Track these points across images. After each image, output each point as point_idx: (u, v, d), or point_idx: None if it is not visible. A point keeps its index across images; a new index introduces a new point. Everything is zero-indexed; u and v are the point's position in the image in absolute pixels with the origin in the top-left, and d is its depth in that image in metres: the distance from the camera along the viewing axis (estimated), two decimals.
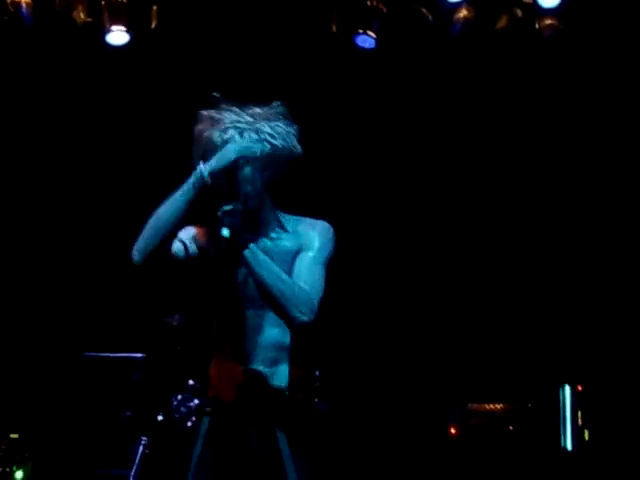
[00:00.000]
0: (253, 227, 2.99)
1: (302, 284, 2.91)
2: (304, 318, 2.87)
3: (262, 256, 2.89)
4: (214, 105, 2.99)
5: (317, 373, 5.77)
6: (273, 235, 3.04)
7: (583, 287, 6.77)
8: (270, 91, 3.17)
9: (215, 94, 3.01)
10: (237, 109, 2.99)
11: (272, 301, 2.89)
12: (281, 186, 3.11)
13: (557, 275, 6.83)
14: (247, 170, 2.93)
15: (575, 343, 6.68)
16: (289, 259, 2.98)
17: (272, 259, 2.93)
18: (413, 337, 6.82)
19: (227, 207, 2.84)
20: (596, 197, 6.77)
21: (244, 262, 2.88)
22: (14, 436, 6.19)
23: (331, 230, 3.06)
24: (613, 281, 6.71)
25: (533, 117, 6.73)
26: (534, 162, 6.82)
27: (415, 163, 6.86)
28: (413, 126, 6.80)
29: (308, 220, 3.07)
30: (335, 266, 6.26)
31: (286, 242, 3.02)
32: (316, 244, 3.00)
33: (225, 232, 2.83)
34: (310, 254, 2.98)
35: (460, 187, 6.88)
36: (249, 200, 2.92)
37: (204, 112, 2.99)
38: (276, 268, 2.88)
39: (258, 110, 3.01)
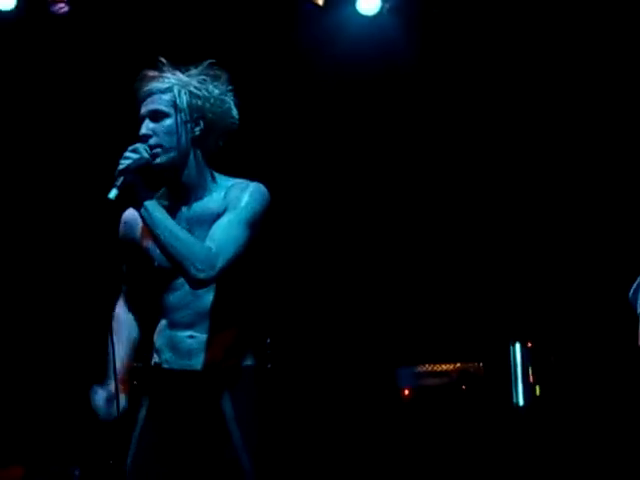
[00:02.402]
0: (177, 188, 3.01)
1: (209, 242, 2.88)
2: (201, 275, 2.84)
3: (158, 214, 2.86)
4: (157, 66, 3.01)
5: (267, 340, 5.77)
6: (205, 198, 3.02)
7: (531, 243, 6.79)
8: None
9: (160, 58, 3.01)
10: (173, 68, 3.00)
11: (170, 259, 2.87)
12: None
13: (505, 234, 6.84)
14: (167, 122, 2.95)
15: (524, 300, 6.70)
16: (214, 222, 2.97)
17: (201, 222, 2.94)
18: (362, 298, 6.79)
19: (122, 164, 2.83)
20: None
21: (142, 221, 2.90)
22: None
23: (260, 190, 3.02)
24: (559, 237, 6.73)
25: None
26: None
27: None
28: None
29: (240, 182, 3.04)
30: (284, 228, 6.29)
31: (214, 205, 2.99)
32: (239, 204, 2.95)
33: (111, 194, 2.80)
34: (230, 214, 2.94)
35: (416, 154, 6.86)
36: (161, 154, 2.93)
37: (145, 71, 3.01)
38: (173, 226, 2.86)
39: (194, 70, 3.01)
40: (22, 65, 6.36)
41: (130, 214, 3.06)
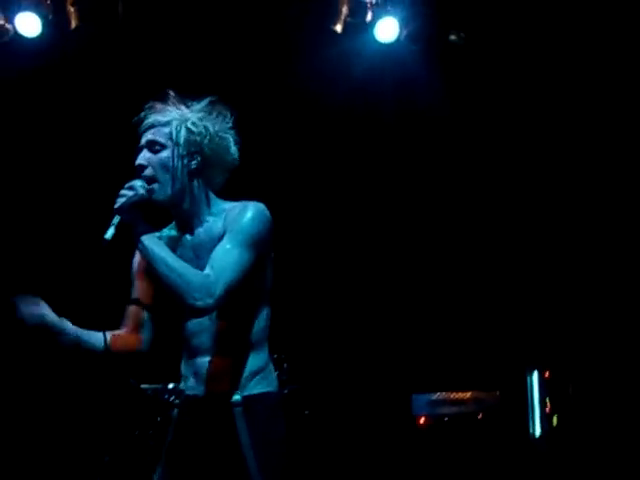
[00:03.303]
0: (183, 219, 3.04)
1: (208, 269, 2.86)
2: (199, 304, 2.84)
3: (154, 248, 2.87)
4: (163, 98, 3.05)
5: (285, 366, 5.76)
6: (207, 224, 3.03)
7: (549, 273, 6.76)
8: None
9: (168, 90, 3.05)
10: (178, 102, 3.04)
11: (169, 291, 2.88)
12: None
13: (523, 262, 6.82)
14: (163, 154, 2.98)
15: (541, 329, 6.66)
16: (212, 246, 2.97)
17: (206, 248, 2.95)
18: (378, 325, 6.78)
19: (119, 202, 2.86)
20: (558, 188, 6.77)
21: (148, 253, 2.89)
22: None
23: (260, 209, 2.98)
24: (579, 268, 6.70)
25: (524, 113, 6.72)
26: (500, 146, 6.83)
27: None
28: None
29: (240, 203, 3.02)
30: (300, 252, 6.26)
31: (215, 228, 2.99)
32: (238, 225, 2.93)
33: (108, 234, 2.83)
34: (229, 237, 2.92)
35: (421, 167, 6.85)
36: (157, 189, 2.95)
37: (150, 102, 3.05)
38: (169, 258, 2.86)
39: (197, 106, 3.04)
40: (45, 89, 6.43)
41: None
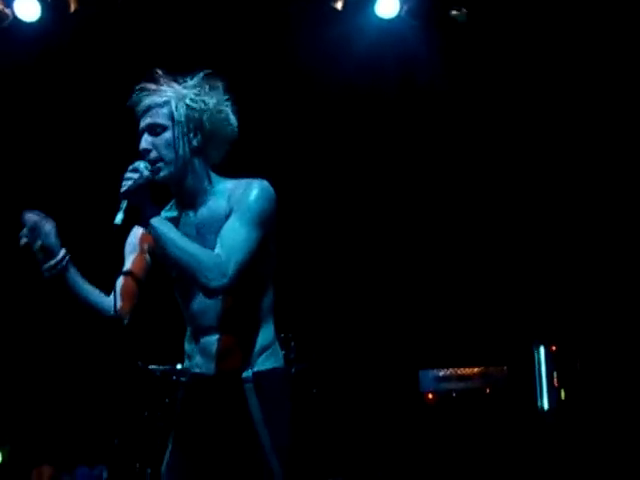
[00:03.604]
0: (184, 197, 3.01)
1: (218, 248, 2.86)
2: (213, 284, 2.83)
3: (164, 230, 2.86)
4: (154, 79, 3.00)
5: (292, 344, 5.78)
6: (210, 203, 3.00)
7: (554, 247, 6.76)
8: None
9: (156, 69, 3.01)
10: (170, 80, 3.00)
11: (182, 272, 2.88)
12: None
13: (528, 236, 6.81)
14: (165, 135, 2.95)
15: (547, 304, 6.66)
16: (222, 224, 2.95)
17: (210, 227, 2.94)
18: (385, 302, 6.79)
19: (125, 185, 2.84)
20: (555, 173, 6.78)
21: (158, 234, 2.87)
22: None
23: (264, 187, 2.96)
24: (586, 242, 6.70)
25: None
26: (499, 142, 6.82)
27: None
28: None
29: (244, 181, 3.00)
30: (306, 230, 6.23)
31: (220, 207, 2.97)
32: (245, 203, 2.92)
33: (118, 219, 2.81)
34: (237, 215, 2.91)
35: (423, 145, 6.84)
36: (163, 167, 2.93)
37: (142, 84, 3.01)
38: (180, 240, 2.85)
39: (191, 82, 3.01)
40: (44, 73, 6.41)
41: (136, 227, 3.10)
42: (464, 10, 6.04)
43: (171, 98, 2.95)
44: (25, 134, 6.53)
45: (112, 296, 3.00)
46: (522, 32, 6.27)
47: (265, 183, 2.96)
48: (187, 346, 3.11)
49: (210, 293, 2.87)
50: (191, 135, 2.96)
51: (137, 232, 3.11)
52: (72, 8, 5.99)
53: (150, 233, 2.88)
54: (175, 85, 2.98)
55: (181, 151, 2.94)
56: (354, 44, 6.16)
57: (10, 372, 6.50)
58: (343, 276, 6.74)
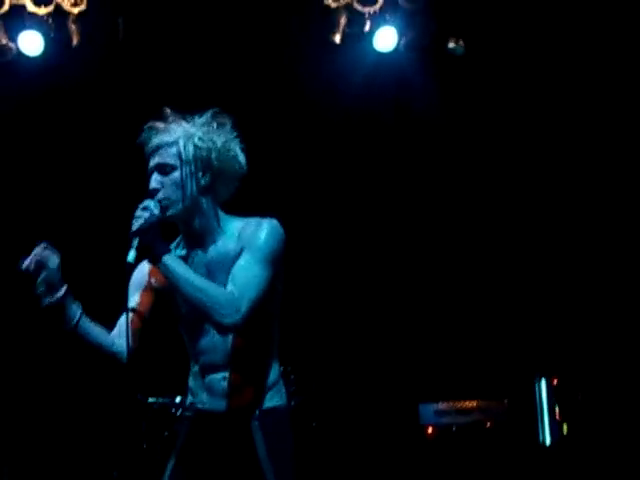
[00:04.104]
0: (193, 236, 3.03)
1: (230, 286, 2.90)
2: (227, 321, 2.87)
3: (177, 268, 2.89)
4: (162, 117, 3.05)
5: (292, 377, 5.77)
6: (220, 241, 3.03)
7: (555, 280, 6.72)
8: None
9: (165, 108, 3.05)
10: (178, 118, 3.04)
11: (195, 309, 2.92)
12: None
13: (529, 269, 6.78)
14: (174, 175, 2.97)
15: (548, 337, 6.62)
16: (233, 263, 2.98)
17: (220, 265, 2.97)
18: (384, 334, 6.77)
19: (135, 224, 2.86)
20: (559, 195, 6.76)
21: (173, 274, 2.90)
22: None
23: (275, 226, 3.01)
24: (584, 275, 6.66)
25: (525, 115, 6.72)
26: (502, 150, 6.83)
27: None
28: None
29: (254, 220, 3.03)
30: (305, 260, 6.25)
31: (230, 246, 2.99)
32: (256, 242, 2.96)
33: (130, 257, 2.86)
34: (248, 254, 2.95)
35: (429, 178, 6.86)
36: (170, 206, 2.96)
37: (150, 123, 3.04)
38: (193, 277, 2.89)
39: (199, 120, 3.04)
40: (47, 107, 6.49)
41: (142, 264, 3.10)
42: (461, 42, 6.07)
43: (179, 137, 2.98)
44: (29, 169, 6.60)
45: (114, 332, 3.05)
46: (519, 64, 6.30)
47: (275, 222, 3.01)
48: (192, 383, 3.14)
49: (223, 330, 2.92)
50: (199, 174, 2.99)
51: (143, 269, 3.13)
52: (74, 42, 6.08)
53: (160, 270, 2.90)
54: (183, 123, 3.02)
55: (189, 190, 2.97)
56: (351, 76, 6.22)
57: (8, 403, 6.51)
58: (342, 308, 6.73)
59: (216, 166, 2.99)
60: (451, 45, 6.14)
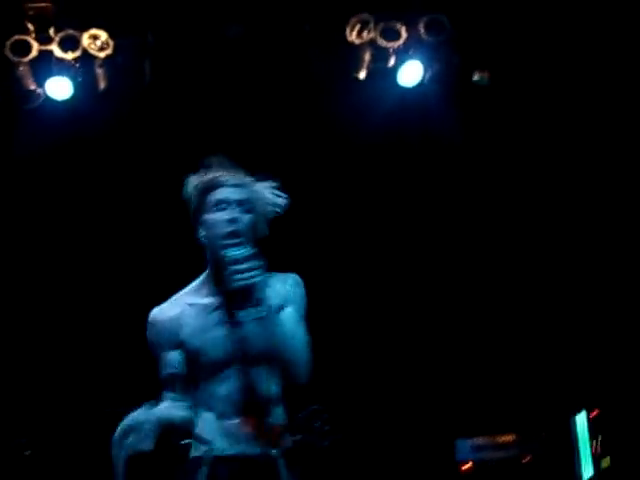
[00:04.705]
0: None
1: (298, 343, 2.95)
2: (302, 380, 2.98)
3: (275, 319, 2.92)
4: (206, 169, 3.02)
5: (325, 416, 5.73)
6: (257, 293, 2.94)
7: (591, 313, 6.63)
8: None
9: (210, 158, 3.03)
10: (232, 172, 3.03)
11: (284, 361, 2.96)
12: None
13: (565, 303, 6.70)
14: (249, 216, 2.95)
15: (588, 367, 6.51)
16: (276, 317, 2.96)
17: (264, 318, 2.94)
18: (421, 370, 6.72)
19: (252, 280, 2.85)
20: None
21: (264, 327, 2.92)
22: None
23: (302, 282, 3.08)
24: (621, 305, 6.57)
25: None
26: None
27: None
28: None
29: (278, 275, 3.05)
30: (335, 295, 6.22)
31: (272, 300, 2.95)
32: (296, 299, 3.02)
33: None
34: (295, 311, 2.99)
35: (456, 208, 6.83)
36: (245, 244, 2.94)
37: (201, 174, 3.01)
38: (289, 330, 2.93)
39: (262, 182, 3.04)
40: (77, 151, 6.56)
41: (164, 314, 3.04)
42: (487, 74, 6.05)
43: (256, 185, 3.00)
44: (57, 212, 6.65)
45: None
46: (544, 94, 6.27)
47: (300, 278, 3.09)
48: (205, 431, 3.05)
49: (302, 383, 2.98)
50: (262, 227, 3.00)
51: (170, 325, 3.04)
52: (102, 86, 6.15)
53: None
54: (249, 179, 3.02)
55: (254, 236, 2.96)
56: (377, 111, 6.21)
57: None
58: (376, 343, 6.69)
59: (268, 219, 3.02)
60: (476, 77, 6.13)
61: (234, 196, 2.93)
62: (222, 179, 2.95)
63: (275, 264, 3.00)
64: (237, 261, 2.82)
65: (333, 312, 6.31)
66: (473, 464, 6.22)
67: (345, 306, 6.61)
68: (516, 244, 6.75)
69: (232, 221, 2.90)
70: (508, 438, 6.25)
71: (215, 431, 3.02)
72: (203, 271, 3.03)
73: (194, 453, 3.02)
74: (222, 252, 2.85)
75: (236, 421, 2.98)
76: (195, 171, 2.99)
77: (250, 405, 2.98)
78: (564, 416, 6.30)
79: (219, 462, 3.01)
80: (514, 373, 6.62)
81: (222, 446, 3.00)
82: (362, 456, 6.35)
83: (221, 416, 3.01)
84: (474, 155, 6.47)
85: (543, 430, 6.28)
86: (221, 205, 2.92)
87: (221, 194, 2.93)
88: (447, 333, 6.76)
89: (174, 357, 2.99)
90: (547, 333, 6.66)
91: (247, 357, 2.95)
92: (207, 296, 3.01)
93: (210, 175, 2.95)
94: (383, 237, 6.75)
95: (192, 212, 2.97)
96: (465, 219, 6.75)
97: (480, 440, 6.28)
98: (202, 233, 2.95)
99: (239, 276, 2.82)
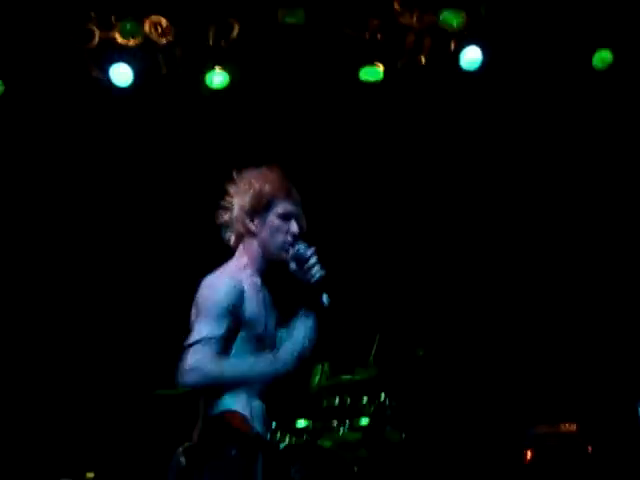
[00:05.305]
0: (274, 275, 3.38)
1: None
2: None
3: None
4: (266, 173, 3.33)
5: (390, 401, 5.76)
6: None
7: None
8: None
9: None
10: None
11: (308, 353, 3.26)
12: None
13: (626, 288, 6.59)
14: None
15: None
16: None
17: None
18: (483, 359, 6.69)
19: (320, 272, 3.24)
20: None
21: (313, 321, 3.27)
22: (90, 475, 6.27)
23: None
24: None
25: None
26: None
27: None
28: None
29: None
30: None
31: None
32: None
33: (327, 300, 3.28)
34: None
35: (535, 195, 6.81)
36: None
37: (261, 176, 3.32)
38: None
39: None
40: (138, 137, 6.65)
41: (235, 282, 3.18)
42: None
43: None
44: (119, 198, 6.74)
45: None
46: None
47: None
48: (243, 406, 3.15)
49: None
50: None
51: (233, 292, 3.16)
52: (163, 72, 6.21)
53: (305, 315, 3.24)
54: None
55: None
56: (438, 97, 6.22)
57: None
58: (440, 336, 6.66)
59: None
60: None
61: (297, 212, 3.31)
62: (293, 193, 3.30)
63: None
64: (311, 258, 3.23)
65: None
66: (534, 453, 6.12)
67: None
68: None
69: (301, 230, 3.29)
70: (572, 427, 6.13)
71: (253, 412, 3.15)
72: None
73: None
74: (299, 249, 3.24)
75: (263, 405, 3.19)
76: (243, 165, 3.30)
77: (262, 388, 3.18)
78: (629, 403, 6.16)
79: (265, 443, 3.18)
80: (576, 361, 6.54)
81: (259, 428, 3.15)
82: (427, 447, 6.33)
83: (250, 396, 3.15)
84: (538, 139, 6.43)
85: (607, 419, 6.15)
86: (288, 216, 3.27)
87: (289, 208, 3.28)
88: (508, 320, 6.71)
89: (228, 321, 3.11)
90: (610, 319, 6.57)
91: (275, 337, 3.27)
92: (252, 277, 3.26)
93: (278, 184, 3.28)
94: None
95: (248, 207, 3.26)
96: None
97: (543, 429, 6.17)
98: (257, 228, 3.27)
99: (317, 269, 3.20)
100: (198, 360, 3.01)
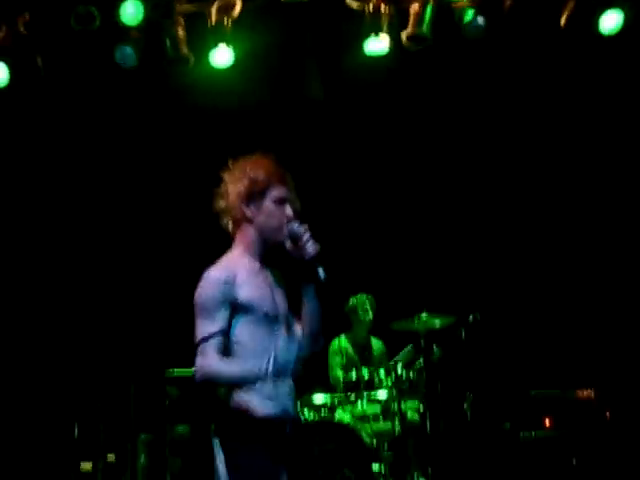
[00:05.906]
0: (274, 256, 3.51)
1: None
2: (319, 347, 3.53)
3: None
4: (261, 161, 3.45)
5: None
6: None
7: None
8: None
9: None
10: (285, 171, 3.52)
11: (319, 327, 3.42)
12: None
13: None
14: None
15: None
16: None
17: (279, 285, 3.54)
18: (498, 325, 6.72)
19: (315, 246, 3.34)
20: None
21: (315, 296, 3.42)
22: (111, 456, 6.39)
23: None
24: None
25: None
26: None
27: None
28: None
29: None
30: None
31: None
32: None
33: (323, 275, 3.34)
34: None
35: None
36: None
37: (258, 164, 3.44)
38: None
39: None
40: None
41: (224, 273, 3.30)
42: None
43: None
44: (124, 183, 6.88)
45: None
46: None
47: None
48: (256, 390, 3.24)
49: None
50: None
51: (223, 284, 3.28)
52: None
53: (308, 288, 3.39)
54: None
55: None
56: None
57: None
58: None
59: None
60: None
61: (291, 196, 3.43)
62: (286, 178, 3.43)
63: None
64: (304, 234, 3.34)
65: None
66: (552, 420, 6.14)
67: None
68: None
69: (297, 212, 3.42)
70: (590, 393, 6.14)
71: (268, 390, 3.25)
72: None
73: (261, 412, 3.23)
74: (292, 227, 3.36)
75: (285, 382, 3.31)
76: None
77: (284, 366, 3.28)
78: None
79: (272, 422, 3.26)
80: (595, 328, 6.52)
81: (271, 406, 3.25)
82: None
83: (275, 376, 3.23)
84: None
85: (625, 385, 6.15)
86: (282, 201, 3.40)
87: (284, 193, 3.41)
88: (523, 288, 6.71)
89: (223, 314, 3.25)
90: (629, 288, 6.53)
91: (289, 314, 3.41)
92: (250, 262, 3.39)
93: (272, 170, 3.41)
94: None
95: (244, 193, 3.38)
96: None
97: (559, 394, 6.19)
98: (253, 214, 3.38)
99: (311, 244, 3.32)
100: (203, 361, 3.19)
